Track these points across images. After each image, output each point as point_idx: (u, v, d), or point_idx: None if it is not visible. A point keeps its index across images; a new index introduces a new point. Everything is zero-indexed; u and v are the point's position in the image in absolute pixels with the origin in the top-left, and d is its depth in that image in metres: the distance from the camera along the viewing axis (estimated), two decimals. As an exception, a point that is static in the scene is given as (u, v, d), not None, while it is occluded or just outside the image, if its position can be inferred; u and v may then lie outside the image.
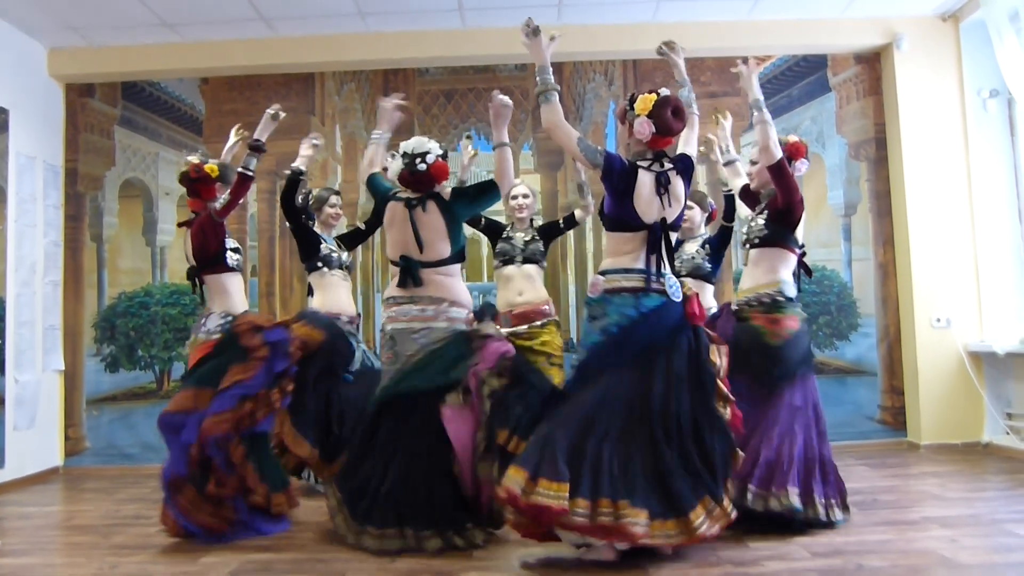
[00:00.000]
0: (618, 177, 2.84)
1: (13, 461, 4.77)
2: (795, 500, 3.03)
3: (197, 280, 3.56)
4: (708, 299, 4.17)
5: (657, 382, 2.73)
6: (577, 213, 4.47)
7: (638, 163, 2.88)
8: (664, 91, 2.90)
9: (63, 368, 5.36)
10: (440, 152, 3.15)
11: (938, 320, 5.11)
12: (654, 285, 2.83)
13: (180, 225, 3.70)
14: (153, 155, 5.60)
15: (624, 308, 2.80)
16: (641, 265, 2.84)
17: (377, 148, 3.37)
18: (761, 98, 3.24)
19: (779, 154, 3.18)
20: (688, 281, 4.11)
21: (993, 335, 5.00)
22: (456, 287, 3.14)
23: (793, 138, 3.49)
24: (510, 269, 4.30)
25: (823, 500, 3.11)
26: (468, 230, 5.53)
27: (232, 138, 4.00)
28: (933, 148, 5.20)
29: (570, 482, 2.55)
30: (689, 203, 4.20)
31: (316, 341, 3.82)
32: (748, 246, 3.43)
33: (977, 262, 5.13)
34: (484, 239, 5.56)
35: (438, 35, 5.34)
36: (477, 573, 2.73)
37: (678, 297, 2.87)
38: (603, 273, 2.90)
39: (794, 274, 3.38)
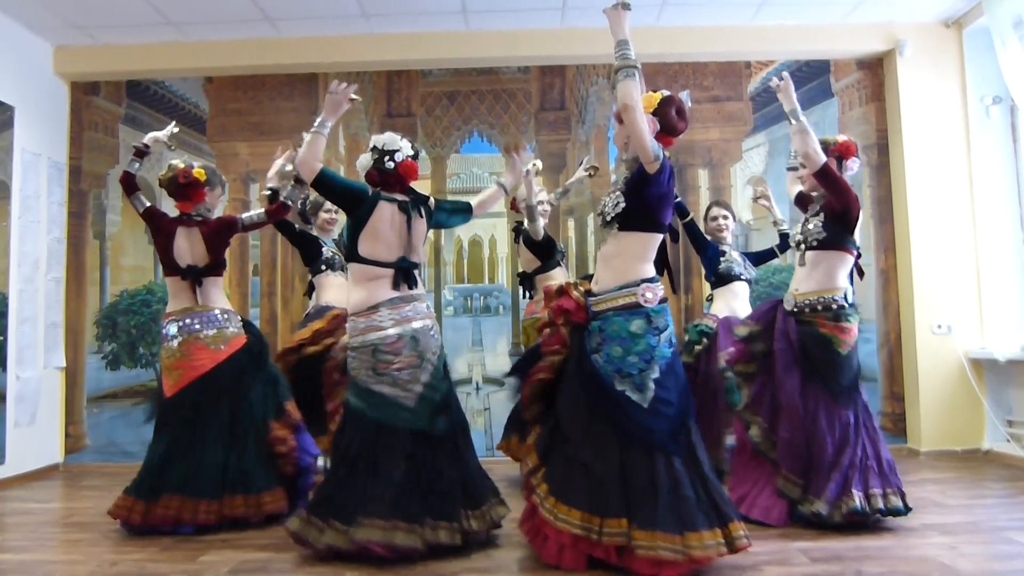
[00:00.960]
0: (668, 177, 2.77)
1: (13, 457, 4.78)
2: (898, 501, 3.16)
3: (198, 281, 3.58)
4: (746, 304, 4.26)
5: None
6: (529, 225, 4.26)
7: None
8: (666, 92, 2.87)
9: (64, 365, 5.37)
10: (411, 152, 3.09)
11: (939, 326, 5.10)
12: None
13: (177, 224, 3.63)
14: (157, 153, 5.57)
15: (670, 317, 2.83)
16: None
17: (320, 139, 3.04)
18: (798, 107, 3.26)
19: (822, 159, 3.19)
20: (735, 285, 4.23)
21: (994, 342, 5.00)
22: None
23: (842, 137, 3.47)
24: (558, 272, 4.32)
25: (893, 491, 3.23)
26: (469, 231, 5.59)
27: (280, 158, 4.11)
28: (935, 154, 5.20)
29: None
30: (724, 212, 4.33)
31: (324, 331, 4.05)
32: (804, 248, 3.38)
33: (978, 268, 5.13)
34: (485, 240, 5.60)
35: (442, 37, 5.35)
36: (477, 575, 2.73)
37: None
38: (651, 280, 2.78)
39: (848, 276, 3.40)
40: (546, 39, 5.34)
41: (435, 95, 5.65)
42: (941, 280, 5.13)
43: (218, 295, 3.66)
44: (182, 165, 3.61)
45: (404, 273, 3.03)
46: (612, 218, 2.79)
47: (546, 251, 4.32)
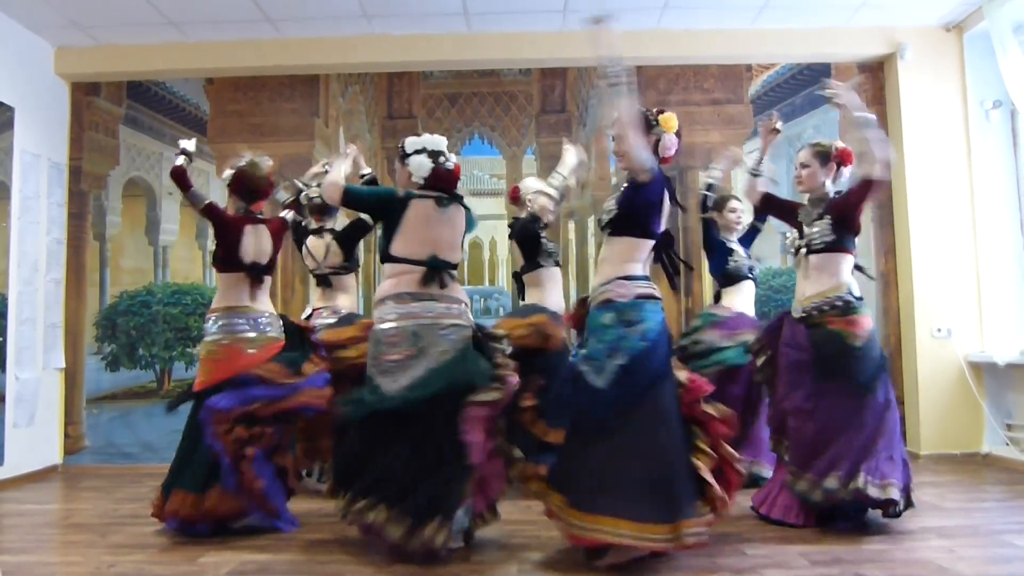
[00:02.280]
0: (659, 187, 2.89)
1: (12, 458, 4.77)
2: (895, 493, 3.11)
3: (260, 279, 3.62)
4: (751, 303, 4.35)
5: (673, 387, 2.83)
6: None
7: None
8: (668, 112, 2.98)
9: (63, 366, 5.37)
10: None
11: (939, 330, 5.11)
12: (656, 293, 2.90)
13: (244, 222, 3.58)
14: (157, 155, 5.61)
15: (657, 314, 2.84)
16: (646, 272, 2.91)
17: (338, 168, 3.26)
18: (868, 113, 3.31)
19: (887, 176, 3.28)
20: (744, 284, 4.34)
21: (993, 346, 5.00)
22: (462, 290, 3.18)
23: (841, 144, 3.51)
24: (556, 271, 4.28)
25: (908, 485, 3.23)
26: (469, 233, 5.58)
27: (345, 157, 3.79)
28: (935, 158, 5.21)
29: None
30: (744, 207, 4.35)
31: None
32: (807, 252, 3.38)
33: (978, 272, 5.14)
34: (486, 243, 5.59)
35: (443, 39, 5.36)
36: (477, 575, 2.74)
37: None
38: (628, 278, 2.84)
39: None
40: (547, 41, 5.35)
41: (436, 97, 5.65)
42: (941, 284, 5.13)
43: (267, 296, 3.65)
44: (260, 160, 3.62)
45: (434, 271, 3.02)
46: (605, 223, 2.95)
47: (531, 249, 4.30)
